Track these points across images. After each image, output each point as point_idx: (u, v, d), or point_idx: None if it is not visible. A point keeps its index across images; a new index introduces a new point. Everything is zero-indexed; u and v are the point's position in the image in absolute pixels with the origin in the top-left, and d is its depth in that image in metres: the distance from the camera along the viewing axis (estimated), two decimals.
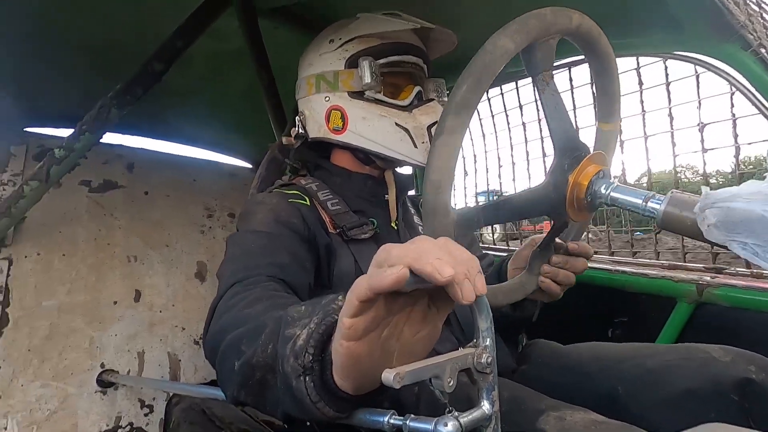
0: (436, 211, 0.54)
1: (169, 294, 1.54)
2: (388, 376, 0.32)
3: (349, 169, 0.90)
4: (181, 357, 1.53)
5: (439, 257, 0.34)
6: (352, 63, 0.82)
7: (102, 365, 1.37)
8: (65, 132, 1.23)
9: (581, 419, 0.53)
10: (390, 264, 0.34)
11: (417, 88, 0.85)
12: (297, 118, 0.91)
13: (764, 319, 0.82)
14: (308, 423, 0.48)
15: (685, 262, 1.09)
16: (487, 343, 0.38)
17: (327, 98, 0.84)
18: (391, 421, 0.40)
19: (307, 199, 0.82)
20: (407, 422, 0.38)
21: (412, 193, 0.99)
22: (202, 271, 1.62)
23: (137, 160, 1.52)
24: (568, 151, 0.61)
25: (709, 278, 0.94)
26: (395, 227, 0.87)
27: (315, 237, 0.77)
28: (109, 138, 1.45)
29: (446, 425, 0.34)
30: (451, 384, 0.35)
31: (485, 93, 0.58)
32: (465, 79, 0.53)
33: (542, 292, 0.75)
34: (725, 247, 0.46)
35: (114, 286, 1.43)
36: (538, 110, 1.35)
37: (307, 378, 0.39)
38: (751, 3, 0.75)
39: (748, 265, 0.94)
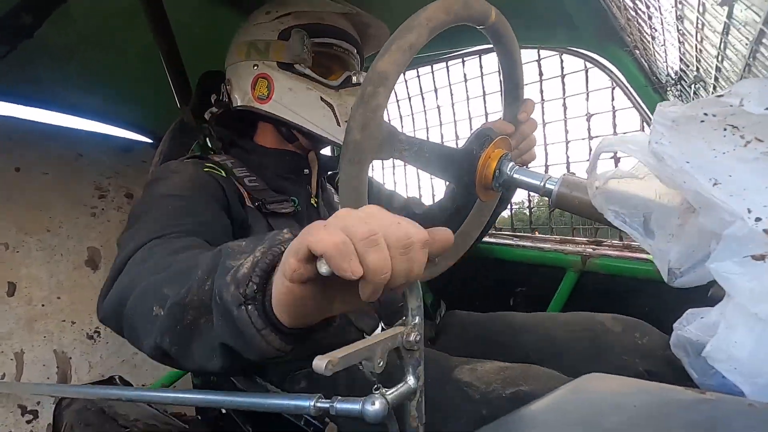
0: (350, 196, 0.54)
1: (53, 285, 1.35)
2: (320, 363, 0.31)
3: (268, 147, 0.87)
4: (71, 354, 1.37)
5: (367, 246, 0.32)
6: (285, 35, 0.82)
7: None
8: None
9: (490, 366, 0.61)
10: (353, 257, 0.32)
11: (347, 73, 0.86)
12: (222, 85, 0.89)
13: (633, 284, 0.97)
14: (246, 366, 0.43)
15: (572, 236, 1.23)
16: (416, 321, 0.39)
17: (255, 66, 0.83)
18: (318, 404, 0.40)
19: (223, 171, 0.79)
20: (334, 404, 0.38)
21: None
22: (95, 257, 1.45)
23: (5, 131, 1.28)
24: (461, 168, 0.64)
25: (591, 250, 1.08)
26: (315, 205, 0.86)
27: (230, 209, 0.74)
28: None
29: (374, 404, 0.35)
30: (381, 365, 0.35)
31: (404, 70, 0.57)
32: (386, 50, 0.53)
33: (433, 267, 0.76)
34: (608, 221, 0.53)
35: None
36: (451, 94, 1.41)
37: (250, 307, 0.37)
38: (629, 9, 0.85)
39: (621, 237, 1.10)
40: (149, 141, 1.63)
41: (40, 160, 1.34)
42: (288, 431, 0.65)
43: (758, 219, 0.34)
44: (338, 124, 0.81)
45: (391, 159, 0.62)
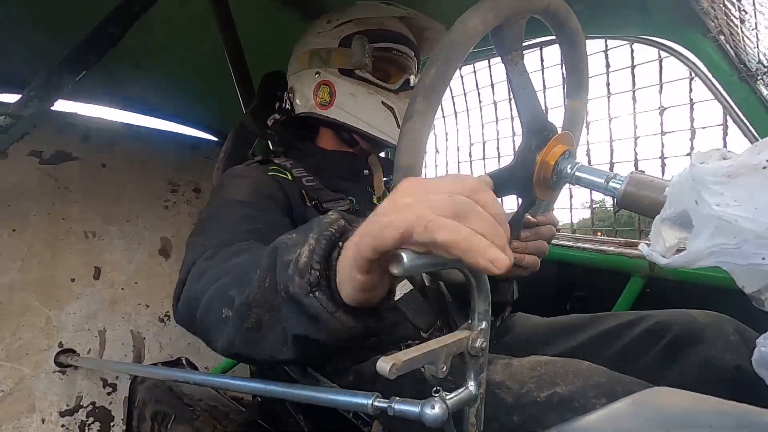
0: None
1: (131, 271, 1.48)
2: (384, 366, 0.30)
3: (328, 149, 0.90)
4: (145, 335, 1.50)
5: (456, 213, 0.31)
6: (346, 42, 0.84)
7: (60, 345, 1.32)
8: (10, 98, 1.14)
9: (527, 361, 0.55)
10: (432, 230, 0.31)
11: (405, 76, 0.87)
12: (286, 93, 0.92)
13: (707, 292, 0.89)
14: (317, 350, 0.45)
15: (640, 239, 1.15)
16: (483, 326, 0.37)
17: (318, 73, 0.86)
18: (376, 403, 0.39)
19: (288, 174, 0.82)
20: (393, 405, 0.37)
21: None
22: (167, 247, 1.57)
23: (93, 131, 1.43)
24: (536, 131, 0.62)
25: None
26: (377, 203, 0.87)
27: (293, 210, 0.77)
28: (62, 106, 1.35)
29: (433, 408, 0.34)
30: (444, 370, 0.34)
31: (456, 73, 0.56)
32: (434, 62, 0.52)
33: (518, 268, 0.75)
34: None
35: (71, 262, 1.36)
36: (509, 89, 1.36)
37: (317, 293, 0.38)
38: None
39: None
40: (214, 138, 1.74)
41: (122, 157, 1.48)
42: (337, 421, 0.67)
43: None
44: (398, 126, 0.81)
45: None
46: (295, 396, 0.50)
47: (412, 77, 0.88)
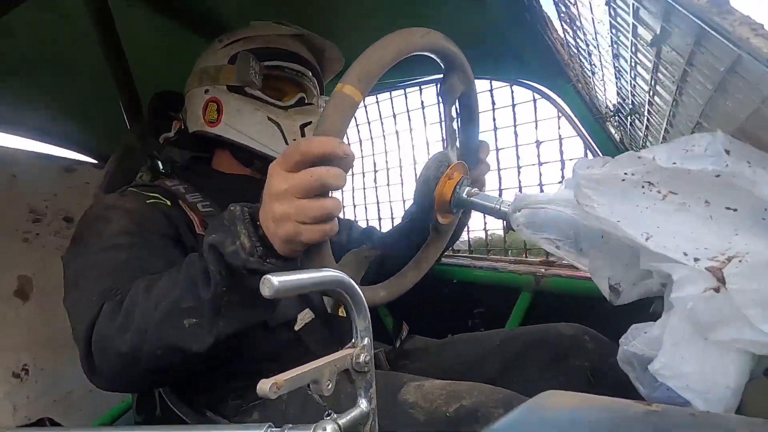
0: (321, 261, 0.55)
1: None
2: (264, 386, 0.30)
3: (225, 172, 0.86)
4: None
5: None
6: (235, 59, 0.82)
7: None
8: None
9: (437, 383, 0.59)
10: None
11: (300, 94, 0.87)
12: (180, 113, 0.90)
13: (584, 301, 1.02)
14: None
15: (526, 257, 1.28)
16: (365, 342, 0.39)
17: (207, 90, 0.84)
18: None
19: (168, 201, 0.75)
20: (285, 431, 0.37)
21: None
22: (25, 287, 1.32)
23: None
24: (435, 163, 0.67)
25: (543, 270, 1.12)
26: None
27: (181, 239, 0.71)
28: None
29: (325, 429, 0.34)
30: (329, 387, 0.35)
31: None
32: (328, 114, 0.52)
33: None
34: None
35: None
36: (409, 119, 1.45)
37: (268, 260, 0.52)
38: (572, 46, 0.93)
39: None
40: (93, 161, 1.54)
41: None
42: None
43: (696, 259, 0.37)
44: (286, 142, 0.81)
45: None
46: None
47: (309, 96, 0.88)
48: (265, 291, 0.33)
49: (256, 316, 0.59)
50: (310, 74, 0.89)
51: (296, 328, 0.75)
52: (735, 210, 0.39)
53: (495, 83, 1.21)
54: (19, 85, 1.20)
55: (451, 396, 0.55)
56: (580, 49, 0.90)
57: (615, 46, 0.74)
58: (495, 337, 0.83)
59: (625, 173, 0.43)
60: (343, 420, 0.36)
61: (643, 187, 0.43)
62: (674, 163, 0.41)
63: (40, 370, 1.29)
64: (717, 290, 0.35)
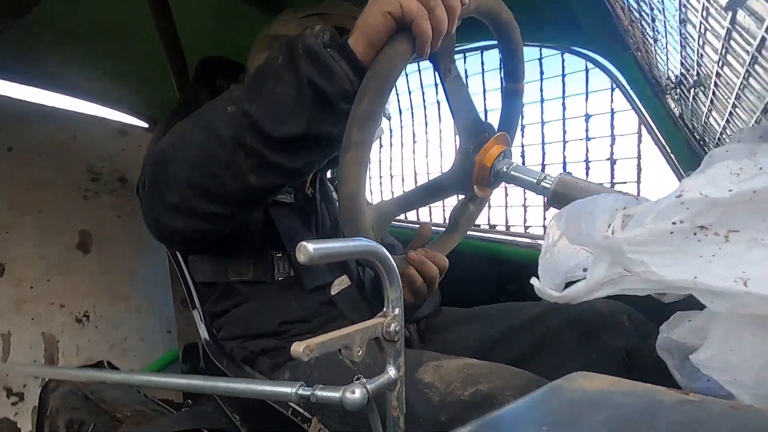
0: (355, 218, 0.55)
1: (43, 267, 1.34)
2: (298, 348, 0.32)
3: None
4: (60, 338, 1.36)
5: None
6: None
7: None
8: None
9: (456, 364, 0.58)
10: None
11: None
12: (241, 75, 0.90)
13: None
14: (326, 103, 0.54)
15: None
16: (396, 312, 0.39)
17: None
18: (299, 392, 0.40)
19: None
20: (315, 392, 0.39)
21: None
22: (86, 241, 1.44)
23: None
24: (473, 133, 0.64)
25: None
26: (310, 195, 0.86)
27: None
28: None
29: (354, 392, 0.35)
30: (360, 353, 0.36)
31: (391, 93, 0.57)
32: (365, 91, 0.51)
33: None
34: None
35: None
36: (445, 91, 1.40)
37: (329, 49, 0.51)
38: (633, 11, 0.85)
39: None
40: (145, 125, 1.61)
41: (34, 140, 1.33)
42: (275, 421, 0.66)
43: None
44: None
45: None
46: (221, 390, 0.49)
47: None
48: (300, 257, 0.34)
49: (289, 124, 0.54)
50: None
51: (332, 292, 0.77)
52: None
53: (545, 51, 1.14)
54: (80, 48, 1.26)
55: (468, 379, 0.54)
56: (643, 13, 0.82)
57: (683, 9, 0.67)
58: (528, 310, 0.80)
59: (673, 223, 0.36)
60: (371, 385, 0.37)
61: (695, 234, 0.36)
62: (730, 191, 0.35)
63: (99, 317, 1.41)
64: None
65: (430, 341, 0.86)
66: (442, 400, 0.53)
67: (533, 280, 0.47)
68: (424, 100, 1.49)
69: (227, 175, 0.57)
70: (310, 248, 0.34)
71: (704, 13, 0.60)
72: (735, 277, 0.34)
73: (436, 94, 1.44)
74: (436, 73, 0.65)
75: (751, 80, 0.57)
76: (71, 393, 0.89)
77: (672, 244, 0.36)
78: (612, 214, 0.41)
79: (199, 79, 0.96)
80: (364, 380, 0.37)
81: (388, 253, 0.40)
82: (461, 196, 0.78)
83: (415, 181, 1.59)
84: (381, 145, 1.67)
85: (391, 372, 0.39)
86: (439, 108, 1.46)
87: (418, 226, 0.94)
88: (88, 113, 1.49)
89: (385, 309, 0.40)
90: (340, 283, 0.78)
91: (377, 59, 0.52)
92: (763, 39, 0.47)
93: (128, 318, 1.46)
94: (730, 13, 0.52)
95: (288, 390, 0.41)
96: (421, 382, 0.56)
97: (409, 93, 1.52)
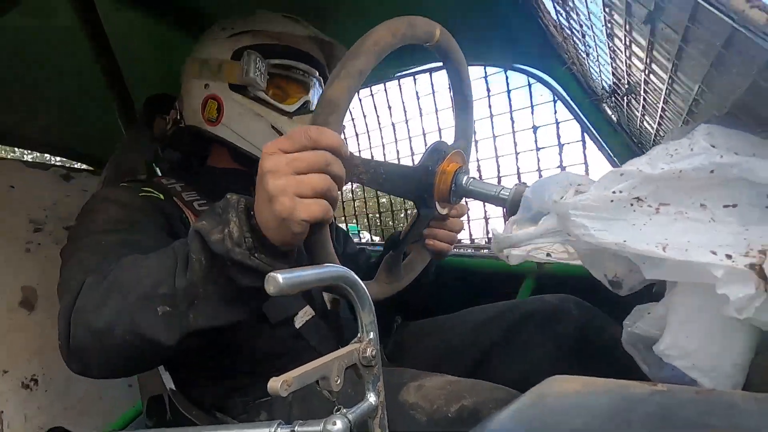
0: (320, 245, 0.54)
1: None
2: (275, 384, 0.31)
3: (219, 167, 0.85)
4: (4, 408, 1.23)
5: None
6: (239, 55, 0.78)
7: None
8: None
9: (436, 382, 0.58)
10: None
11: (305, 98, 0.82)
12: (176, 101, 0.86)
13: (588, 284, 1.01)
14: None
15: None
16: (371, 336, 0.39)
17: (207, 85, 0.80)
18: (279, 430, 0.39)
19: (161, 194, 0.74)
20: (295, 429, 0.37)
21: None
22: (30, 298, 1.33)
23: None
24: (420, 185, 0.66)
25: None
26: None
27: (176, 234, 0.70)
28: None
29: (335, 424, 0.34)
30: (338, 383, 0.35)
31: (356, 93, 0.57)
32: (335, 78, 0.52)
33: (431, 254, 0.79)
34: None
35: None
36: (405, 111, 1.44)
37: (256, 254, 0.49)
38: (565, 28, 0.92)
39: None
40: (89, 168, 1.53)
41: None
42: None
43: (729, 256, 0.35)
44: None
45: (349, 182, 0.61)
46: None
47: (311, 99, 0.84)
48: (270, 288, 0.33)
49: (232, 315, 0.53)
50: (317, 74, 0.86)
51: (297, 325, 0.75)
52: (735, 206, 0.38)
53: (489, 69, 1.20)
54: (13, 95, 1.19)
55: (451, 395, 0.54)
56: (573, 30, 0.88)
57: (609, 25, 0.73)
58: (487, 311, 0.85)
59: (613, 192, 0.41)
60: (352, 414, 0.36)
61: (632, 204, 0.41)
62: (662, 169, 0.40)
63: (49, 379, 1.30)
64: (766, 289, 0.33)
65: (400, 357, 0.86)
66: (429, 419, 0.53)
67: (492, 228, 0.54)
68: (379, 123, 1.52)
69: (161, 351, 0.53)
70: (279, 278, 0.33)
71: (627, 27, 0.65)
72: (656, 243, 0.38)
73: (390, 116, 1.48)
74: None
75: (675, 85, 0.63)
76: None
77: (611, 212, 0.42)
78: (566, 188, 0.47)
79: (148, 119, 0.92)
80: (345, 410, 0.36)
81: (357, 278, 0.39)
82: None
83: (378, 203, 1.60)
84: None
85: (371, 399, 0.38)
86: (394, 129, 1.49)
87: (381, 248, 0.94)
88: (26, 160, 1.40)
89: (359, 334, 0.39)
90: (304, 314, 0.77)
91: (353, 48, 0.53)
92: (680, 48, 0.52)
93: (83, 377, 1.35)
94: (649, 26, 0.57)
95: (266, 430, 0.39)
96: (405, 404, 0.56)
97: (364, 116, 1.55)
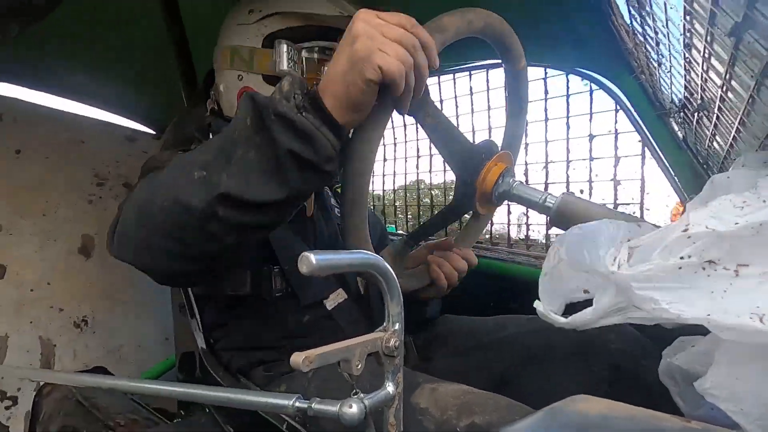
0: (356, 228, 0.55)
1: (44, 270, 1.34)
2: (297, 359, 0.32)
3: None
4: (56, 342, 1.35)
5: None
6: (270, 42, 0.74)
7: None
8: None
9: (452, 389, 0.56)
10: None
11: None
12: (212, 91, 0.83)
13: None
14: (308, 163, 0.49)
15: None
16: (396, 327, 0.39)
17: (240, 77, 0.77)
18: (296, 404, 0.40)
19: None
20: (312, 405, 0.38)
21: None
22: (88, 245, 1.44)
23: (7, 111, 1.28)
24: (467, 158, 0.64)
25: None
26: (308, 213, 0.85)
27: None
28: None
29: (351, 407, 0.35)
30: (359, 367, 0.36)
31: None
32: (352, 154, 0.52)
33: (432, 288, 0.78)
34: None
35: None
36: (456, 106, 1.41)
37: (303, 113, 0.46)
38: (638, 34, 0.86)
39: None
40: (152, 132, 1.63)
41: (41, 143, 1.34)
42: None
43: None
44: None
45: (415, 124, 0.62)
46: (216, 399, 0.49)
47: None
48: (303, 268, 0.33)
49: (266, 189, 0.48)
50: None
51: (329, 306, 0.77)
52: None
53: (550, 71, 1.15)
54: (89, 54, 1.28)
55: (464, 407, 0.52)
56: (647, 36, 0.83)
57: (688, 35, 0.68)
58: (523, 322, 0.81)
59: (681, 258, 0.36)
60: (368, 400, 0.36)
61: (704, 269, 0.36)
62: (736, 224, 0.34)
63: (97, 322, 1.41)
64: None
65: (430, 355, 0.86)
66: (437, 429, 0.52)
67: (536, 304, 0.48)
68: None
69: (201, 242, 0.52)
70: (312, 259, 0.33)
71: (708, 38, 0.60)
72: (750, 313, 0.33)
73: (442, 109, 1.46)
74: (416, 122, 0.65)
75: (755, 105, 0.57)
76: (65, 398, 0.88)
77: (681, 280, 0.36)
78: (617, 246, 0.41)
79: (206, 90, 0.96)
80: (362, 395, 0.37)
81: (389, 267, 0.40)
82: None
83: (418, 192, 1.59)
84: (385, 159, 1.68)
85: (390, 388, 0.39)
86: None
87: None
88: (97, 118, 1.51)
89: (385, 324, 0.39)
90: (336, 297, 0.78)
91: (362, 127, 0.51)
92: (767, 65, 0.47)
93: (126, 324, 1.45)
94: (734, 39, 0.53)
95: (285, 402, 0.40)
96: (416, 407, 0.55)
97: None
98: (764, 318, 0.32)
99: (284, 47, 0.72)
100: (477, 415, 0.51)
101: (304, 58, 0.74)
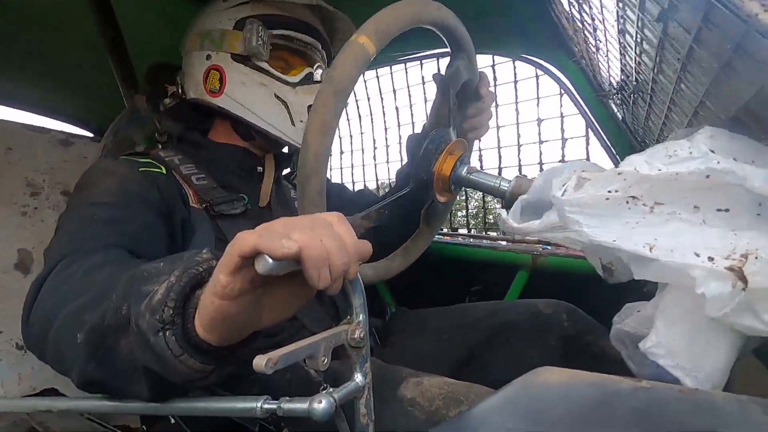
0: (311, 200, 0.53)
1: None
2: (260, 362, 0.31)
3: (219, 142, 0.84)
4: None
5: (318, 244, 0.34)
6: (241, 25, 0.77)
7: None
8: None
9: (435, 381, 0.59)
10: (287, 236, 0.33)
11: (308, 69, 0.82)
12: (177, 75, 0.84)
13: (580, 281, 1.02)
14: (172, 389, 0.44)
15: (524, 237, 1.28)
16: (360, 318, 0.39)
17: (209, 56, 0.79)
18: (264, 406, 0.39)
19: (163, 168, 0.74)
20: (281, 405, 0.38)
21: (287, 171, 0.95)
22: (25, 260, 1.33)
23: None
24: (423, 154, 0.66)
25: (541, 249, 1.13)
26: (268, 206, 0.84)
27: (171, 211, 0.70)
28: None
29: (321, 402, 0.35)
30: (325, 362, 0.36)
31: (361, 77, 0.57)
32: (340, 62, 0.52)
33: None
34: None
35: None
36: (409, 95, 1.42)
37: (167, 333, 0.37)
38: (577, 21, 0.90)
39: None
40: (89, 135, 1.52)
41: None
42: None
43: (711, 258, 0.36)
44: (292, 123, 0.78)
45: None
46: (181, 409, 0.47)
47: (319, 71, 0.83)
48: (259, 267, 0.33)
49: (133, 391, 0.43)
50: (320, 47, 0.85)
51: None
52: (727, 210, 0.39)
53: (497, 59, 1.18)
54: (16, 55, 1.17)
55: (449, 398, 0.55)
56: (585, 23, 0.87)
57: (621, 20, 0.72)
58: (482, 309, 0.86)
59: (609, 191, 0.42)
60: (338, 393, 0.36)
61: (627, 202, 0.42)
62: (659, 170, 0.40)
63: None
64: (744, 289, 0.34)
65: (392, 343, 0.87)
66: (427, 419, 0.54)
67: (500, 211, 0.55)
68: (382, 106, 1.51)
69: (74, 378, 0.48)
70: (268, 258, 0.32)
71: (639, 24, 0.64)
72: (644, 243, 0.39)
73: (395, 100, 1.46)
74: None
75: (682, 86, 0.62)
76: (15, 425, 0.82)
77: (605, 209, 0.42)
78: (569, 175, 0.47)
79: (151, 88, 0.91)
80: (331, 389, 0.37)
81: None
82: None
83: (377, 187, 1.60)
84: (341, 152, 1.67)
85: (358, 379, 0.39)
86: (397, 114, 1.47)
87: None
88: (25, 123, 1.38)
89: (349, 316, 0.40)
90: None
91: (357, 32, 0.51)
92: (690, 48, 0.51)
93: None
94: (661, 24, 0.56)
95: (253, 405, 0.39)
96: (403, 399, 0.56)
97: (368, 99, 1.53)
98: (653, 248, 0.39)
99: (255, 25, 0.76)
100: (463, 403, 0.54)
101: (270, 43, 0.77)
